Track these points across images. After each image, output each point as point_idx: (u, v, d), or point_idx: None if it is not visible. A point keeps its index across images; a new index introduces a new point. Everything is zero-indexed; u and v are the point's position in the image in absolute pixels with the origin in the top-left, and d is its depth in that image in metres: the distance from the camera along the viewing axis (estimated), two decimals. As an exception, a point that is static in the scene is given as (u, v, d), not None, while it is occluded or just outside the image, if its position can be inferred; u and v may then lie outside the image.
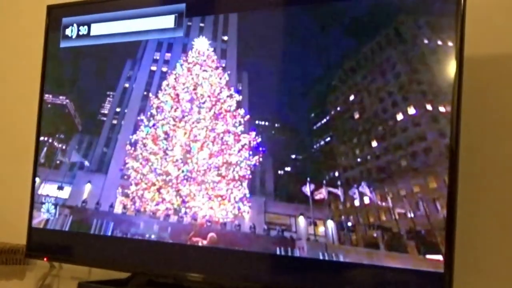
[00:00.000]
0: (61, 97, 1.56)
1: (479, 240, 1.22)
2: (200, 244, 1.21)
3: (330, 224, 1.12)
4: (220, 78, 1.32)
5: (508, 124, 1.23)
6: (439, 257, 0.97)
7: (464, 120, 1.00)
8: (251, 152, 1.25)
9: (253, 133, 1.25)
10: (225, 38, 1.32)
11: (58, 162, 1.53)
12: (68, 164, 1.52)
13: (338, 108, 1.16)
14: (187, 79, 1.38)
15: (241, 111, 1.28)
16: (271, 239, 1.17)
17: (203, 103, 1.35)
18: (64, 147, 1.52)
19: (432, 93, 1.03)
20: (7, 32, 2.10)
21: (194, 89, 1.37)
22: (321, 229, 1.12)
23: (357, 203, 1.09)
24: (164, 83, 1.42)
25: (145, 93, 1.44)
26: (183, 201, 1.31)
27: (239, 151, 1.27)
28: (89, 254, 1.39)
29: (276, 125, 1.23)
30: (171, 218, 1.33)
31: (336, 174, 1.14)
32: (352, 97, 1.15)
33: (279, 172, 1.21)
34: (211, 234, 1.26)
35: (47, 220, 1.44)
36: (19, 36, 2.06)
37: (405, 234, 1.03)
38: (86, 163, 1.49)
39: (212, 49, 1.35)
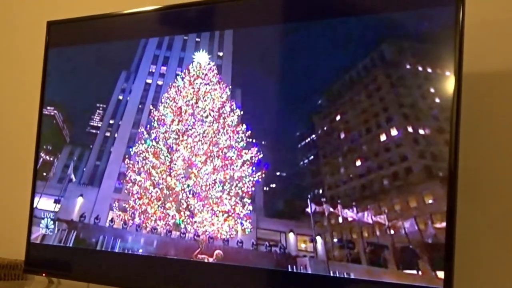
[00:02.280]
0: (49, 108, 1.55)
1: (477, 253, 1.23)
2: (205, 260, 1.20)
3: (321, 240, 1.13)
4: (222, 93, 1.32)
5: (506, 139, 1.24)
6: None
7: (463, 134, 1.01)
8: (254, 168, 1.25)
9: (255, 149, 1.25)
10: (221, 54, 1.33)
11: (52, 175, 1.51)
12: (60, 177, 1.50)
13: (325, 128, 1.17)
14: (188, 92, 1.37)
15: (243, 127, 1.28)
16: (266, 254, 1.17)
17: (206, 117, 1.34)
18: (56, 160, 1.51)
19: (426, 112, 1.04)
20: (6, 45, 2.09)
21: (196, 103, 1.36)
22: (315, 245, 1.13)
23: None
24: (165, 95, 1.41)
25: (140, 105, 1.43)
26: (188, 216, 1.30)
27: (241, 167, 1.26)
28: (88, 270, 1.38)
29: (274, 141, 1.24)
30: (173, 234, 1.31)
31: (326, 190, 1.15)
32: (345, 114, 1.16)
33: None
34: (217, 251, 1.25)
35: (46, 236, 1.43)
36: (17, 51, 2.07)
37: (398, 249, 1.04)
38: (74, 177, 1.47)
39: (213, 63, 1.35)
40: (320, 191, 1.13)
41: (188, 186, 1.32)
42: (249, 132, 1.26)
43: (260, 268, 1.16)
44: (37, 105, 1.55)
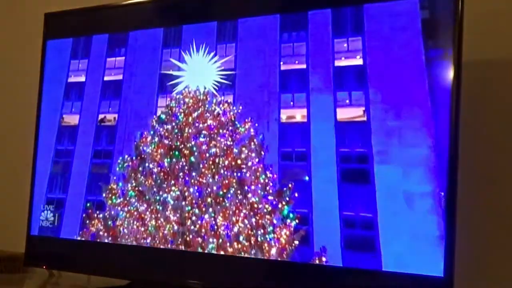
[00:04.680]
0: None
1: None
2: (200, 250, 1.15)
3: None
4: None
5: (507, 128, 1.21)
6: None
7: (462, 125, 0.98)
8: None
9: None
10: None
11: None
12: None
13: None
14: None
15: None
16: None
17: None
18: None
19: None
20: (3, 38, 2.09)
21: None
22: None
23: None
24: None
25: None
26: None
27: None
28: (88, 262, 1.33)
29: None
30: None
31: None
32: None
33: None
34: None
35: (46, 228, 1.38)
36: (15, 43, 2.06)
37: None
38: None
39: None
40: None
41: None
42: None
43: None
44: (35, 97, 1.54)
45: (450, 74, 0.89)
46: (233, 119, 1.10)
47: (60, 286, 1.55)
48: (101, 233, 1.20)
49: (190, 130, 1.14)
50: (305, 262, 0.96)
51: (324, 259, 0.94)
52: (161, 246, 1.15)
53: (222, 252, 1.05)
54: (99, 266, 1.30)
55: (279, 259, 0.99)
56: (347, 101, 0.98)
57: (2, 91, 2.06)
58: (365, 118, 0.96)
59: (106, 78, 1.29)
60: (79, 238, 1.26)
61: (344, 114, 0.98)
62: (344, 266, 0.93)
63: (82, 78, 1.32)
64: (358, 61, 0.99)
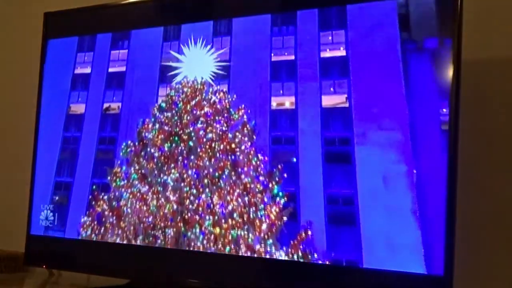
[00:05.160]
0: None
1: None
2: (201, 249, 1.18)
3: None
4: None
5: (507, 128, 1.21)
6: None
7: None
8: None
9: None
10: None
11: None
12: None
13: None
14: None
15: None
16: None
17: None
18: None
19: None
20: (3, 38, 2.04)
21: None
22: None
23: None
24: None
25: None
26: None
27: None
28: (88, 261, 1.35)
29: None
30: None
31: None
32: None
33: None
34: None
35: (46, 227, 1.41)
36: (15, 42, 2.01)
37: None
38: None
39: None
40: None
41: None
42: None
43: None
44: (35, 95, 1.52)
45: (449, 70, 0.94)
46: (228, 106, 1.18)
47: (60, 286, 1.54)
48: (106, 213, 1.28)
49: (188, 117, 1.23)
50: (306, 262, 1.03)
51: (309, 232, 1.03)
52: (164, 246, 1.20)
53: (221, 249, 1.13)
54: (99, 265, 1.33)
55: (279, 258, 1.06)
56: (332, 89, 1.07)
57: (2, 90, 2.02)
58: (347, 105, 1.05)
59: (110, 70, 1.37)
60: (82, 234, 1.33)
61: (329, 101, 1.07)
62: (345, 266, 1.00)
63: (88, 70, 1.41)
64: (341, 52, 1.08)
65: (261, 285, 1.11)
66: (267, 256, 1.07)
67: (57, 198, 1.37)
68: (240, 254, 1.10)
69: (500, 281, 1.18)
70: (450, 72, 0.94)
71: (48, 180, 1.41)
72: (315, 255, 1.01)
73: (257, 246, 1.07)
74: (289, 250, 1.04)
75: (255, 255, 1.08)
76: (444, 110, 0.94)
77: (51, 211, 1.39)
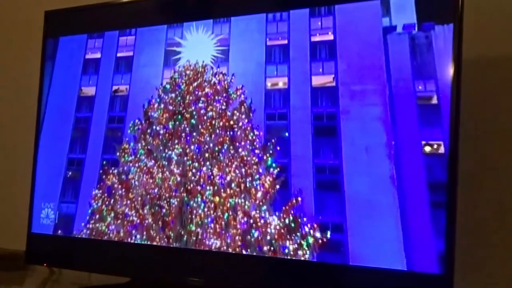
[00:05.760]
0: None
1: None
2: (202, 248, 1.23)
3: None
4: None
5: (507, 127, 1.24)
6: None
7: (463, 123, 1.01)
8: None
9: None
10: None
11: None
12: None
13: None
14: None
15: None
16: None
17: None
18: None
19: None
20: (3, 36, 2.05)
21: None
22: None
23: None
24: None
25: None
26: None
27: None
28: (89, 259, 1.38)
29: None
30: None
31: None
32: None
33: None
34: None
35: (47, 226, 1.45)
36: (15, 41, 2.02)
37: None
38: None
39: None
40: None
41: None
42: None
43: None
44: (36, 93, 1.56)
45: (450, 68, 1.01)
46: (226, 87, 1.29)
47: (61, 284, 1.54)
48: (115, 185, 1.40)
49: (190, 98, 1.34)
50: (307, 260, 1.11)
51: (299, 198, 1.14)
52: (164, 244, 1.27)
53: (220, 215, 1.26)
54: (100, 263, 1.36)
55: (281, 256, 1.14)
56: (320, 70, 1.18)
57: (2, 90, 2.01)
58: (334, 84, 1.15)
59: (119, 55, 1.48)
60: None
61: (318, 81, 1.18)
62: (346, 264, 1.07)
63: (98, 55, 1.52)
64: (329, 36, 1.19)
65: (263, 284, 1.18)
66: (268, 255, 1.15)
67: (70, 173, 1.48)
68: (241, 253, 1.18)
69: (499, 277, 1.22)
70: (426, 55, 1.06)
71: (60, 160, 1.52)
72: (304, 219, 1.12)
73: (253, 212, 1.18)
74: (281, 215, 1.15)
75: (255, 254, 1.16)
76: (420, 87, 1.05)
77: (62, 189, 1.50)
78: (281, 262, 1.14)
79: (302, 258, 1.11)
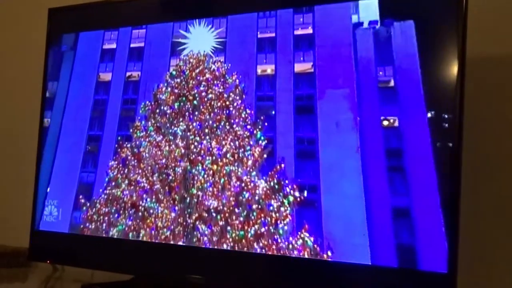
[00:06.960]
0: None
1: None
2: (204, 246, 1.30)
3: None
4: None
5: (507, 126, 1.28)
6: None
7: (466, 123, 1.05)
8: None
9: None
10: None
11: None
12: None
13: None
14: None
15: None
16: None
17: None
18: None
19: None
20: (6, 33, 2.09)
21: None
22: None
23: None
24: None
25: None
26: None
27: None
28: (92, 257, 1.42)
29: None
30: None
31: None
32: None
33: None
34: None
35: (50, 223, 1.50)
36: (18, 39, 2.07)
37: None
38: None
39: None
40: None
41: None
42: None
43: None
44: (39, 90, 1.64)
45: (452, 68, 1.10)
46: (224, 73, 1.52)
47: (64, 281, 1.58)
48: (129, 157, 1.63)
49: (193, 82, 1.57)
50: (308, 258, 1.21)
51: (282, 165, 1.37)
52: (165, 241, 1.37)
53: (217, 181, 1.49)
54: (103, 261, 1.41)
55: (281, 254, 1.25)
56: (302, 58, 1.40)
57: (5, 84, 2.09)
58: (312, 70, 1.38)
59: (132, 45, 1.71)
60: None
61: (299, 67, 1.40)
62: (347, 263, 1.19)
63: (113, 45, 1.74)
64: (309, 30, 1.41)
65: (263, 281, 1.27)
66: (268, 254, 1.27)
67: (89, 147, 1.71)
68: (242, 251, 1.29)
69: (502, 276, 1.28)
70: (386, 46, 1.28)
71: (81, 137, 1.74)
72: (286, 182, 1.35)
73: (244, 177, 1.42)
74: (268, 178, 1.38)
75: (255, 252, 1.28)
76: (381, 73, 1.28)
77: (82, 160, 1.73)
78: (281, 259, 1.26)
79: (301, 256, 1.24)
